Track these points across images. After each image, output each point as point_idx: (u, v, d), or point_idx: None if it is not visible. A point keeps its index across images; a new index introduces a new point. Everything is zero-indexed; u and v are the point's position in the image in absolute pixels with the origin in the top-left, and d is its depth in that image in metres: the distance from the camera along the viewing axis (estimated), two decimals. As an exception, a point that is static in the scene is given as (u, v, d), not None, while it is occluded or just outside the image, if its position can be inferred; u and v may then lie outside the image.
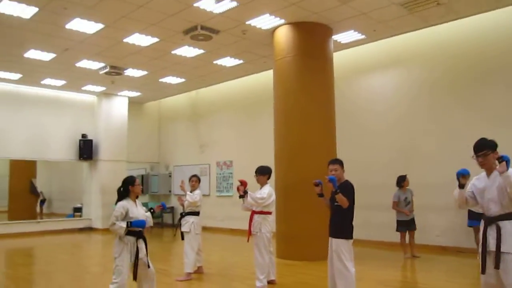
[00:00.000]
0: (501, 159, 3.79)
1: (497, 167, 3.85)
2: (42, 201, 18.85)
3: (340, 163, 5.40)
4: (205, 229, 7.37)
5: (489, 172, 4.06)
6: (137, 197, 5.08)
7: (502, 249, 3.85)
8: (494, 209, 3.97)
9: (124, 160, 15.60)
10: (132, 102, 16.21)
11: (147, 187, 16.38)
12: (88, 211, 15.58)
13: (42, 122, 14.52)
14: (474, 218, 8.30)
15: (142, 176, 16.40)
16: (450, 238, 9.20)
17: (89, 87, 14.48)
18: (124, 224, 4.73)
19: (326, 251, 5.52)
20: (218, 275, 7.28)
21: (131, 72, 12.55)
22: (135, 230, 4.83)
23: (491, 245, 3.93)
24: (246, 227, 6.55)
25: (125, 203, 4.89)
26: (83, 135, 15.22)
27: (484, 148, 4.02)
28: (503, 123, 8.54)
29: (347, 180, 5.36)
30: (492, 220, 3.97)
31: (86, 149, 15.10)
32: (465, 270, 7.46)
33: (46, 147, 14.60)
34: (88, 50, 10.72)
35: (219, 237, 12.59)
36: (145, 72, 12.66)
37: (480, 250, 4.06)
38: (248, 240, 6.46)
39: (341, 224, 5.24)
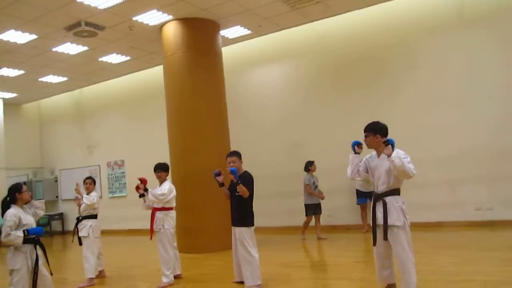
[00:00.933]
0: (387, 142, 4.27)
1: (384, 149, 4.33)
2: None
3: (237, 155, 5.66)
4: (100, 232, 7.17)
5: (378, 152, 4.54)
6: (26, 203, 4.85)
7: (388, 222, 4.37)
8: (381, 187, 4.47)
9: (3, 168, 14.36)
10: (7, 103, 14.92)
11: (31, 194, 15.23)
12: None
13: None
14: (361, 196, 9.27)
15: (24, 183, 15.20)
16: (339, 217, 10.00)
17: (-45, 90, 13.10)
18: (21, 233, 4.51)
19: (227, 241, 5.76)
20: (121, 277, 7.15)
21: (5, 71, 11.60)
22: (31, 237, 4.61)
23: (379, 219, 4.43)
24: (143, 227, 6.57)
25: (15, 211, 4.65)
26: (-49, 143, 13.73)
27: (369, 131, 4.51)
28: (378, 111, 9.49)
29: (246, 171, 5.64)
30: (379, 197, 4.46)
31: (-45, 158, 13.66)
32: (355, 244, 8.19)
33: None
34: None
35: (116, 239, 12.23)
36: (22, 72, 11.78)
37: (371, 224, 4.56)
38: (151, 238, 6.44)
39: (243, 213, 5.51)
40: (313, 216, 9.21)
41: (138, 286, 6.49)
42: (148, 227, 6.36)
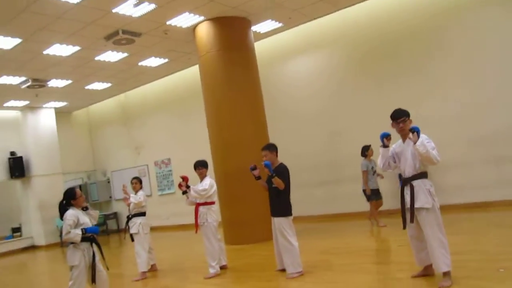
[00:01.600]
0: (413, 130, 4.39)
1: (410, 136, 4.45)
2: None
3: (269, 148, 5.87)
4: (151, 229, 7.57)
5: (404, 138, 4.66)
6: (84, 208, 5.25)
7: (417, 205, 4.47)
8: (408, 171, 4.59)
9: (60, 173, 15.26)
10: (59, 112, 15.81)
11: (86, 196, 16.10)
12: (28, 229, 15.13)
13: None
14: None
15: (80, 186, 16.12)
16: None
17: (11, 103, 13.99)
18: (79, 231, 4.91)
19: (270, 232, 5.99)
20: (172, 270, 7.55)
21: (54, 82, 12.32)
22: (88, 236, 5.02)
23: (408, 202, 4.54)
24: (192, 222, 6.89)
25: (74, 212, 5.05)
26: (12, 153, 14.69)
27: (403, 115, 4.62)
28: (416, 98, 9.43)
29: (281, 163, 5.85)
30: (407, 180, 4.58)
31: (17, 167, 14.59)
32: (398, 229, 8.20)
33: (-28, 170, 13.98)
34: (7, 66, 10.44)
35: (167, 234, 12.78)
36: (69, 81, 12.48)
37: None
38: (196, 232, 6.79)
39: (280, 204, 5.74)
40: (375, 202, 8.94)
41: (187, 277, 6.85)
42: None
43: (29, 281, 9.25)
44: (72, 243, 4.98)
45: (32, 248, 14.76)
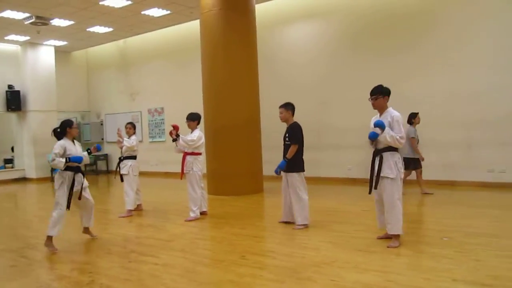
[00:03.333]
0: (376, 125, 4.95)
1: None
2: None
3: (285, 106, 6.27)
4: (140, 173, 8.15)
5: (380, 113, 5.17)
6: (74, 139, 5.81)
7: (382, 174, 5.04)
8: (380, 144, 5.11)
9: (55, 110, 15.66)
10: (58, 51, 16.04)
11: (79, 135, 16.59)
12: (20, 162, 15.67)
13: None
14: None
15: (69, 119, 16.49)
16: (358, 171, 10.60)
17: (12, 37, 14.19)
18: (63, 160, 5.50)
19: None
20: (155, 211, 8.18)
21: (57, 22, 12.53)
22: (73, 165, 5.61)
23: (375, 170, 5.10)
24: (178, 170, 7.46)
25: (63, 142, 5.65)
26: (10, 86, 15.02)
27: (375, 93, 5.13)
28: (404, 76, 9.89)
29: (295, 122, 6.24)
30: (378, 152, 5.12)
31: (13, 100, 14.97)
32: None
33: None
34: (11, 0, 10.63)
35: (154, 180, 13.41)
36: (72, 22, 12.70)
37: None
38: (181, 178, 7.39)
39: (293, 160, 6.13)
40: (413, 171, 8.62)
41: (169, 218, 7.45)
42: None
43: (22, 209, 9.86)
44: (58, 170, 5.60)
45: (23, 180, 15.35)
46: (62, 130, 5.71)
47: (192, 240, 5.94)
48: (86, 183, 5.86)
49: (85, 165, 11.57)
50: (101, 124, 16.98)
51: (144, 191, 8.67)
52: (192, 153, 7.21)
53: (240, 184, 9.38)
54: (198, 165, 7.23)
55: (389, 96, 5.19)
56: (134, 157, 7.97)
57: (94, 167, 16.33)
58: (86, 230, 6.11)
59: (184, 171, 7.25)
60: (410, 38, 9.97)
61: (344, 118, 10.68)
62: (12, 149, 16.25)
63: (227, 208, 8.13)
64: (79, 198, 5.71)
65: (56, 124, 15.08)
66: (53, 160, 5.50)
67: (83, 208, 5.93)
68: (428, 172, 9.35)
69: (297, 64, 11.64)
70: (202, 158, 7.40)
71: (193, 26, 12.65)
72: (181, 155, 7.32)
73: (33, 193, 12.86)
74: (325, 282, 4.00)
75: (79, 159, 5.63)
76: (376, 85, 5.25)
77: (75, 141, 5.84)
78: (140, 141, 15.07)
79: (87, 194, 5.87)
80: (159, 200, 9.50)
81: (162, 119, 14.96)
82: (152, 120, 15.33)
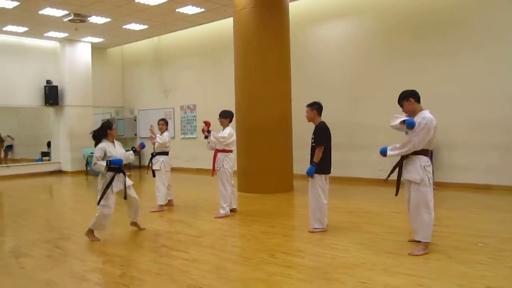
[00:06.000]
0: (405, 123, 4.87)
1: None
2: (8, 147, 19.22)
3: (310, 106, 6.09)
4: (171, 169, 8.28)
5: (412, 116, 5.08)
6: (113, 139, 5.98)
7: (408, 177, 4.97)
8: None
9: (90, 105, 16.06)
10: (95, 48, 16.43)
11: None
12: (56, 155, 16.14)
13: (4, 68, 14.63)
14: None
15: (108, 120, 16.92)
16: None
17: (51, 34, 14.62)
18: (104, 163, 5.64)
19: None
20: (186, 207, 8.28)
21: (94, 19, 12.83)
22: (114, 167, 5.73)
23: (403, 174, 5.04)
24: (209, 167, 7.53)
25: (104, 145, 5.78)
26: (48, 81, 15.47)
27: (400, 100, 5.08)
28: (435, 79, 9.67)
29: (321, 122, 6.07)
30: (407, 156, 5.02)
31: (51, 95, 15.40)
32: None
33: (10, 94, 14.77)
34: (52, -1, 10.96)
35: (185, 176, 13.57)
36: (108, 19, 12.97)
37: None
38: (212, 175, 7.45)
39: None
40: None
41: (199, 214, 7.53)
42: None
43: (58, 201, 10.15)
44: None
45: (59, 172, 15.80)
46: (103, 132, 5.86)
47: (222, 237, 5.98)
48: (129, 182, 6.03)
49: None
50: (135, 120, 17.29)
51: (175, 187, 8.79)
52: (223, 150, 7.26)
53: (270, 182, 9.39)
54: (229, 163, 7.27)
55: (415, 98, 5.01)
56: (166, 153, 8.08)
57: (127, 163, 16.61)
58: (134, 223, 6.38)
59: (215, 168, 7.30)
60: (442, 41, 9.70)
61: (376, 118, 10.51)
62: (48, 144, 16.77)
63: (257, 206, 8.15)
64: (125, 197, 5.89)
65: (92, 119, 15.65)
66: (95, 164, 5.68)
67: (130, 206, 6.14)
68: (464, 175, 9.13)
69: (329, 63, 11.54)
70: (233, 156, 7.45)
71: (227, 24, 12.69)
72: (212, 152, 7.38)
73: (68, 185, 13.22)
74: (354, 284, 3.97)
75: (119, 162, 5.79)
76: (409, 86, 5.15)
77: (115, 141, 5.99)
78: (172, 137, 15.30)
79: (132, 192, 6.08)
80: (190, 196, 9.61)
81: (194, 116, 15.12)
82: (184, 117, 15.51)
